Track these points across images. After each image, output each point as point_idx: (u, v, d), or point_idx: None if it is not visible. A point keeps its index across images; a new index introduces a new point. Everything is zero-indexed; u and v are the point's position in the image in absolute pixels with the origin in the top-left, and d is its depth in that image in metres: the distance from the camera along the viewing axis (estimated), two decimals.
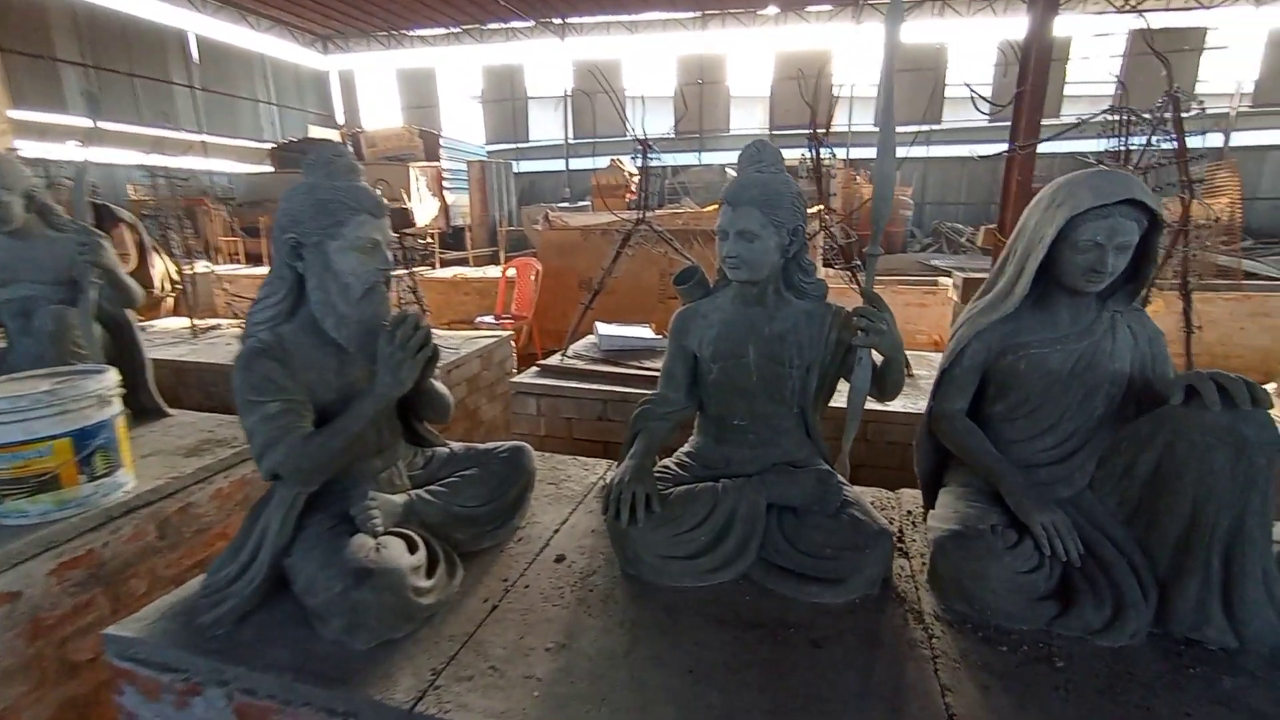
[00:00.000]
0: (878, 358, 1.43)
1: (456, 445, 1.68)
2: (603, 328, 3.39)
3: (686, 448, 1.66)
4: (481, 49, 23.45)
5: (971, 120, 15.09)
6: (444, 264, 11.89)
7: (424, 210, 14.98)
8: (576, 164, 22.79)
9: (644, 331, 3.40)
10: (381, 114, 24.26)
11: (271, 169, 16.98)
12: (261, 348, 1.28)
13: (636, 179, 17.01)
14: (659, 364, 1.68)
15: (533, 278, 6.35)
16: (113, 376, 1.78)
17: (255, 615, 1.28)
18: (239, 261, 10.00)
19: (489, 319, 6.06)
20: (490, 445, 1.66)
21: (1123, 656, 1.20)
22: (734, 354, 1.54)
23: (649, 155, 3.08)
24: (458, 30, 23.14)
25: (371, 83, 24.60)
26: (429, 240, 13.64)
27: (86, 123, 2.37)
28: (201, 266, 6.14)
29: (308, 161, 1.36)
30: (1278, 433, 1.20)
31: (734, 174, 1.51)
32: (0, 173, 2.10)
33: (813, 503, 1.42)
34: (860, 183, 13.14)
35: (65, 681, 1.63)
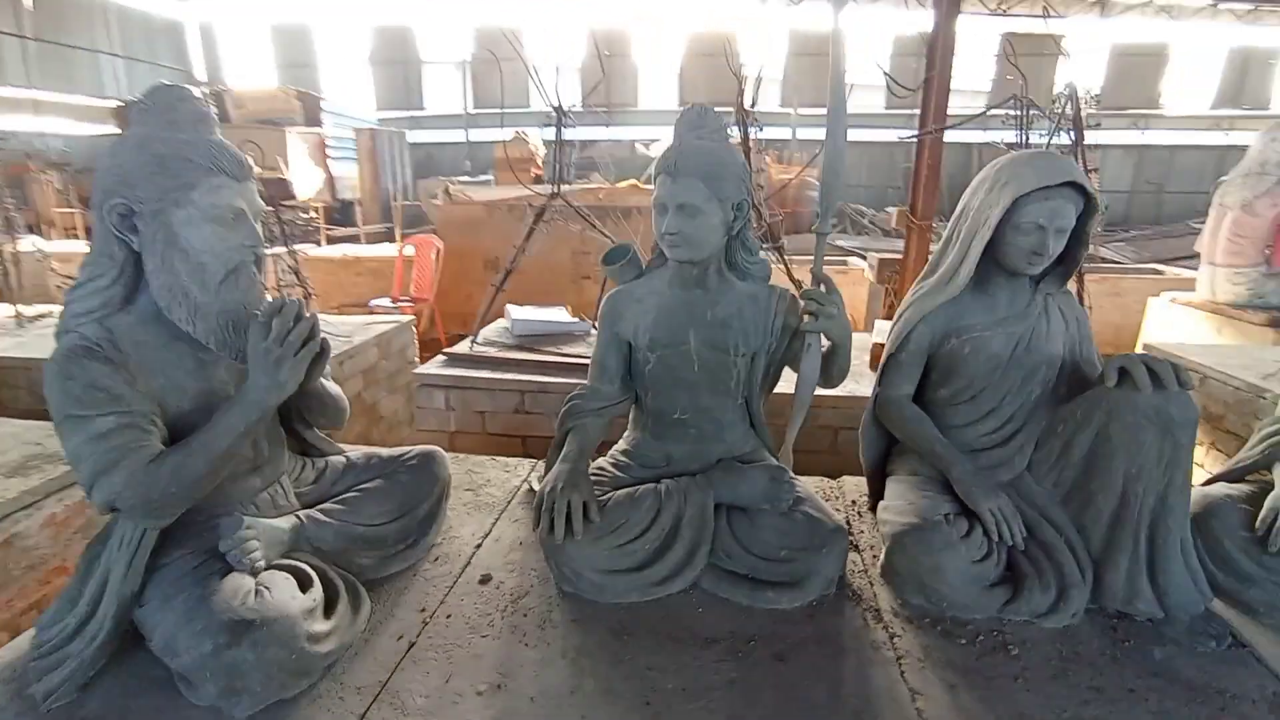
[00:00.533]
0: (825, 343, 1.35)
1: (354, 453, 1.44)
2: (515, 310, 3.16)
3: (622, 445, 1.52)
4: (368, 5, 21.71)
5: (871, 107, 15.84)
6: (331, 241, 10.99)
7: (305, 181, 13.72)
8: (477, 135, 21.73)
9: (560, 314, 3.20)
10: (251, 73, 21.94)
11: (116, 130, 14.91)
12: (86, 346, 1.00)
13: (543, 153, 16.68)
14: (579, 350, 1.54)
15: (433, 256, 5.92)
16: None
17: (102, 680, 1.02)
18: (77, 236, 8.67)
19: (385, 302, 5.58)
20: (395, 451, 1.44)
21: (1068, 637, 1.21)
22: (673, 341, 1.41)
23: (563, 127, 2.85)
24: None
25: (238, 37, 22.14)
26: (312, 214, 12.55)
27: None
28: (28, 244, 5.23)
29: (141, 106, 1.07)
30: (1197, 412, 1.24)
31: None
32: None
33: (764, 501, 1.32)
34: (770, 163, 13.38)
35: None
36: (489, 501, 1.62)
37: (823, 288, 1.24)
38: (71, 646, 1.03)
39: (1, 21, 15.06)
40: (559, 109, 2.81)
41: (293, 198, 12.12)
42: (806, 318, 1.26)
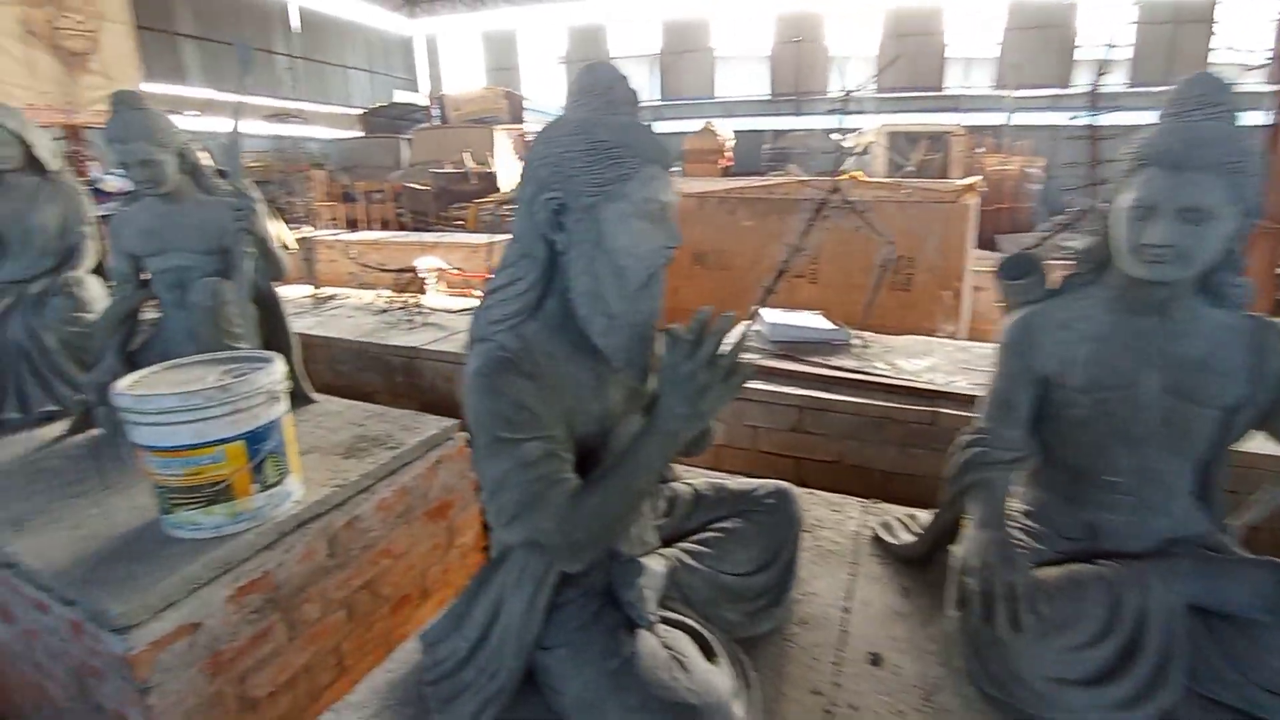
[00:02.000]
0: None
1: (696, 480, 1.32)
2: (770, 314, 2.96)
3: (1019, 505, 1.24)
4: (565, 8, 22.90)
5: (1111, 84, 13.49)
6: None
7: (507, 176, 14.83)
8: (663, 128, 22.10)
9: (818, 320, 2.94)
10: (464, 77, 24.23)
11: (361, 134, 17.23)
12: (507, 358, 0.91)
13: (731, 144, 16.31)
14: (851, 363, 1.26)
15: None
16: (280, 367, 1.51)
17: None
18: (338, 227, 10.09)
19: None
20: (745, 485, 1.28)
21: None
22: (1120, 383, 1.09)
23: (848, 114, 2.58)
24: None
25: (455, 46, 24.55)
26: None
27: (205, 94, 2.12)
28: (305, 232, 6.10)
29: (579, 87, 0.98)
30: None
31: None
32: (152, 129, 1.85)
33: (1266, 610, 0.97)
34: (985, 153, 11.83)
35: None
36: (831, 548, 1.42)
37: None
38: (465, 674, 1.00)
39: (277, 46, 18.13)
40: (845, 94, 2.53)
41: (498, 190, 13.11)
42: None
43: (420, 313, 3.42)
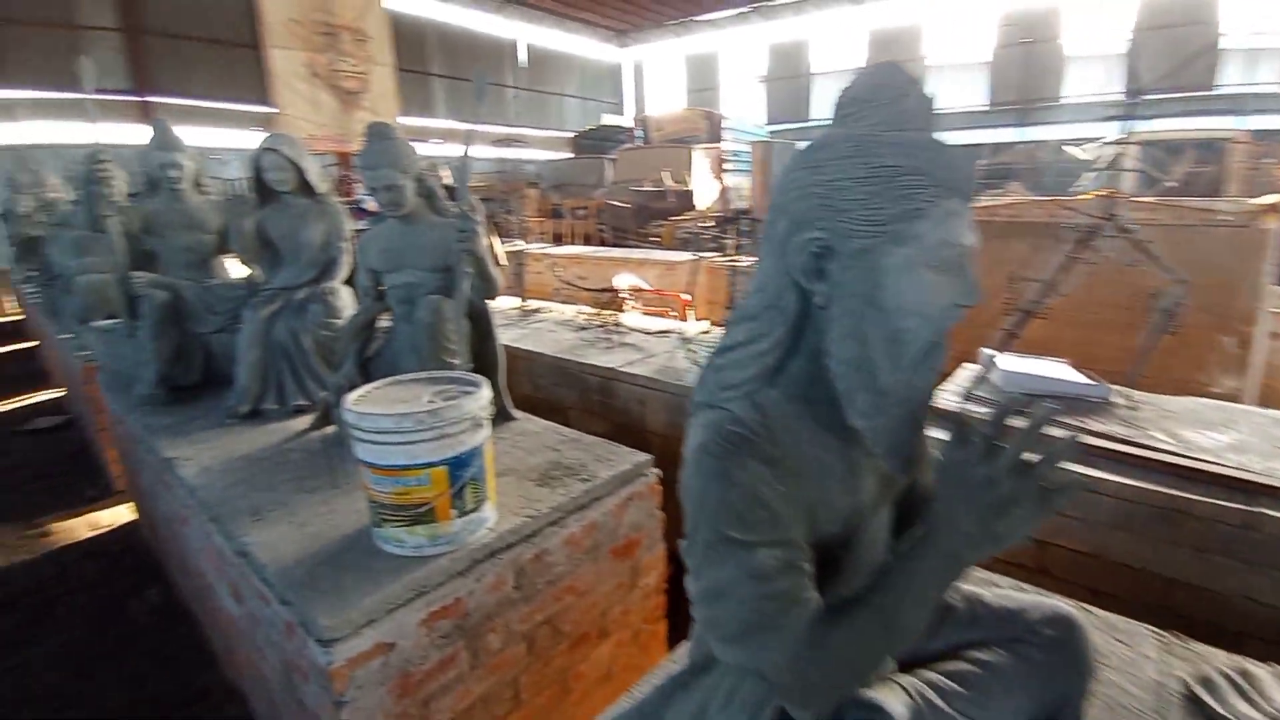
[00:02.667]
0: None
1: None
2: (1006, 361, 2.48)
3: None
4: (767, 26, 22.80)
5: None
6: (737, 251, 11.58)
7: (704, 194, 14.98)
8: (990, 136, 20.64)
9: (1067, 371, 2.40)
10: (665, 100, 25.21)
11: (571, 155, 18.64)
12: (743, 435, 0.73)
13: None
14: (1118, 430, 0.80)
15: None
16: (486, 394, 1.50)
17: None
18: (546, 241, 10.93)
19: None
20: (1011, 602, 0.97)
21: None
22: None
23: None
24: (746, 10, 22.82)
25: (658, 70, 25.64)
26: (713, 225, 13.54)
27: (448, 124, 2.25)
28: (517, 246, 6.61)
29: (856, 94, 0.77)
30: None
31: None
32: (395, 155, 2.01)
33: None
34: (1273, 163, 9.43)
35: None
36: (1122, 700, 1.04)
37: None
38: None
39: (506, 77, 20.38)
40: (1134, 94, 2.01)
41: (693, 208, 13.29)
42: None
43: (619, 332, 3.44)
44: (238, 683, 2.15)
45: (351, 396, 1.46)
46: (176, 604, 2.65)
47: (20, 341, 7.92)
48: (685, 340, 3.24)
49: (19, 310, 9.59)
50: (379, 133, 2.01)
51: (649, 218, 12.79)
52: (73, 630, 2.51)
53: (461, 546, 1.46)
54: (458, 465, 1.40)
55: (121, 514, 3.46)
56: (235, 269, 3.11)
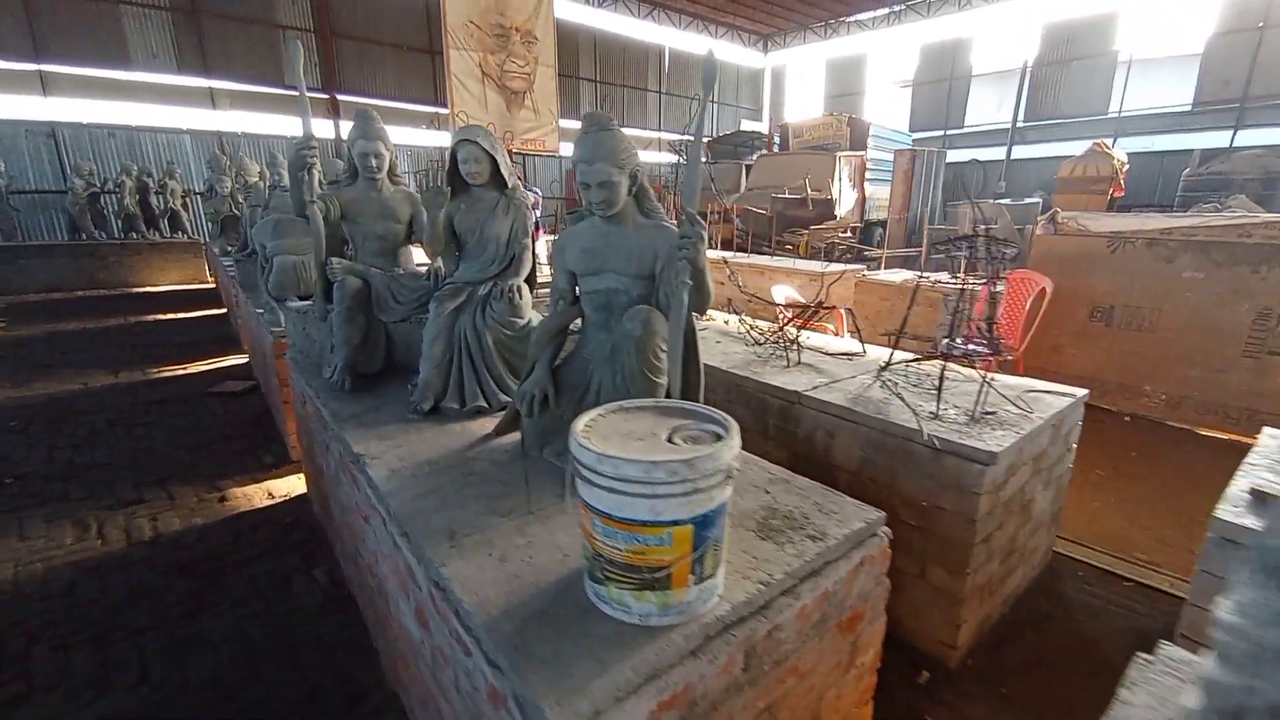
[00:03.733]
0: None
1: None
2: None
3: None
4: (919, 27, 21.33)
5: None
6: (864, 262, 10.87)
7: (844, 203, 14.20)
8: (1025, 152, 19.00)
9: None
10: (803, 105, 24.36)
11: (708, 160, 18.45)
12: None
13: (1126, 168, 13.21)
14: None
15: (1032, 298, 4.84)
16: (737, 439, 1.23)
17: None
18: None
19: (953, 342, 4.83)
20: None
21: None
22: None
23: None
24: (900, 8, 21.50)
25: (797, 75, 24.81)
26: (850, 235, 12.80)
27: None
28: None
29: None
30: None
31: None
32: (614, 149, 1.81)
33: None
34: None
35: None
36: None
37: None
38: None
39: (651, 84, 20.50)
40: None
41: (834, 218, 12.59)
42: None
43: (794, 349, 3.11)
44: (399, 693, 2.06)
45: (579, 425, 1.25)
46: (341, 587, 2.66)
47: (214, 307, 8.90)
48: (882, 368, 2.84)
49: (212, 279, 10.85)
50: (598, 123, 1.81)
51: (786, 225, 12.28)
52: (241, 604, 2.56)
53: (691, 619, 1.21)
54: (704, 525, 1.15)
55: (294, 484, 3.61)
56: (418, 259, 3.12)
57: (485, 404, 2.32)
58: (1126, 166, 12.95)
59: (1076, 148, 17.65)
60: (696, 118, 1.70)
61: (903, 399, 2.44)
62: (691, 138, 1.77)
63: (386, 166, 2.89)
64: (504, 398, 2.36)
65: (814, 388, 2.62)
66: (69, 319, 8.16)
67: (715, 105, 23.43)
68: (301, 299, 3.87)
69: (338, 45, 14.26)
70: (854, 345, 3.29)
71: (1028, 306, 4.80)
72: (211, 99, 13.61)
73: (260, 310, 4.12)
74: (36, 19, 11.63)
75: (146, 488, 3.56)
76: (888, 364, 2.86)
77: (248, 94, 13.75)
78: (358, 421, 2.23)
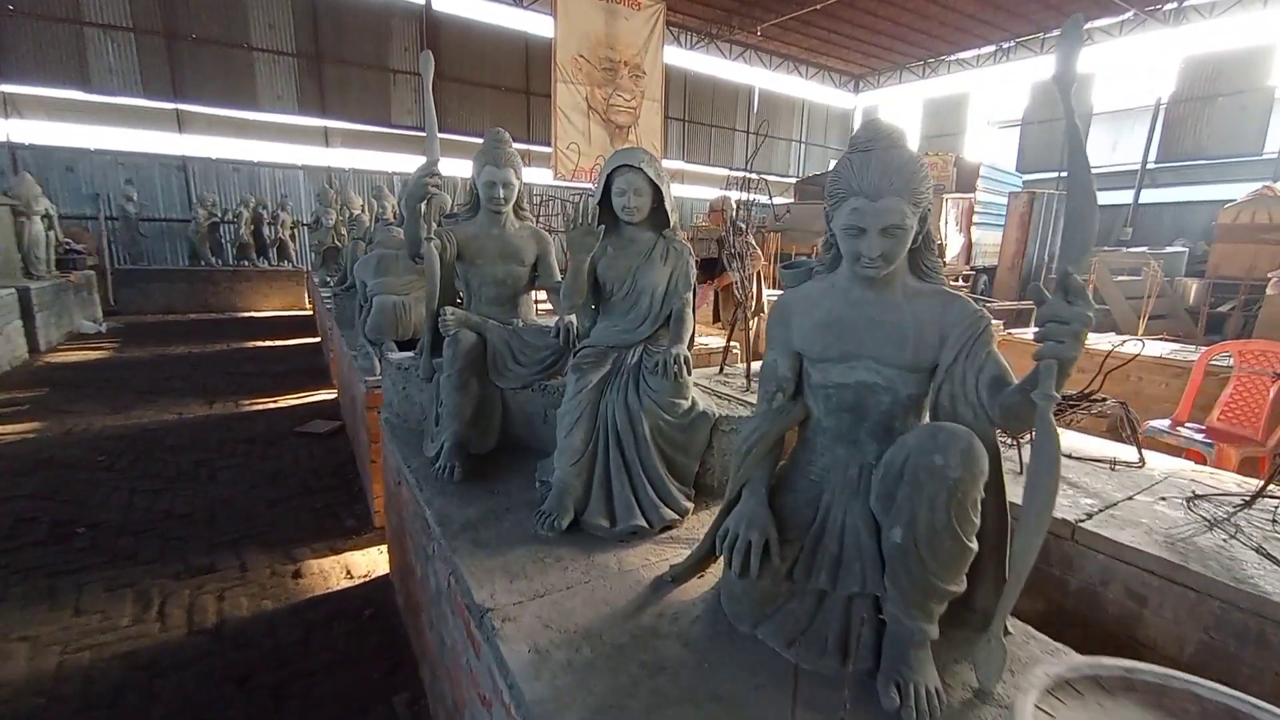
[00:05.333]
0: None
1: None
2: None
3: None
4: (1032, 64, 20.07)
5: None
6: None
7: (950, 248, 13.13)
8: (1155, 196, 17.24)
9: None
10: None
11: (793, 200, 17.78)
12: None
13: None
14: None
15: (1275, 376, 3.83)
16: None
17: None
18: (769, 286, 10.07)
19: (1162, 426, 3.87)
20: None
21: None
22: None
23: None
24: (1009, 45, 20.37)
25: (892, 114, 23.93)
26: (964, 283, 11.73)
27: (678, 165, 1.36)
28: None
29: None
30: None
31: None
32: (908, 179, 1.18)
33: None
34: None
35: None
36: None
37: None
38: None
39: (739, 124, 20.19)
40: None
41: (942, 260, 11.59)
42: None
43: (1016, 444, 2.33)
44: None
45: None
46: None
47: (309, 335, 8.90)
48: (1195, 498, 1.99)
49: (310, 306, 11.03)
50: (884, 136, 1.20)
51: None
52: None
53: None
54: None
55: (375, 560, 3.11)
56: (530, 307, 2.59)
57: (644, 522, 1.69)
58: None
59: (1223, 191, 15.82)
60: (1071, 138, 1.03)
61: (1266, 553, 1.63)
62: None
63: (515, 198, 2.40)
64: (667, 513, 1.73)
65: (1087, 516, 1.85)
66: (177, 342, 8.31)
67: (803, 145, 22.85)
68: (400, 344, 3.45)
69: (443, 86, 14.69)
70: (1117, 449, 2.43)
71: (1274, 392, 3.78)
72: (325, 137, 14.22)
73: (354, 353, 3.73)
74: (178, 63, 12.50)
75: (220, 551, 3.16)
76: (1252, 499, 1.96)
77: (357, 132, 14.30)
78: (473, 538, 1.66)
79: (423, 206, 2.11)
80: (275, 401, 5.72)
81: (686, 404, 1.89)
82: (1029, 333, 6.35)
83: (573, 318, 2.24)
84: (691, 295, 2.10)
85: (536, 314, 2.59)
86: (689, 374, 1.85)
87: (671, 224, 2.07)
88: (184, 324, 9.88)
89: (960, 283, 11.29)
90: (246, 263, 11.46)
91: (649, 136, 7.44)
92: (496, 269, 2.38)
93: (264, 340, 8.60)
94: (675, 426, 1.87)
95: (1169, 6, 15.83)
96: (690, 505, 1.82)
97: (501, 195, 2.29)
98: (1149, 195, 17.48)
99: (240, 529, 3.37)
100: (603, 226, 1.90)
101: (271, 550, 3.17)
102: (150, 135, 12.73)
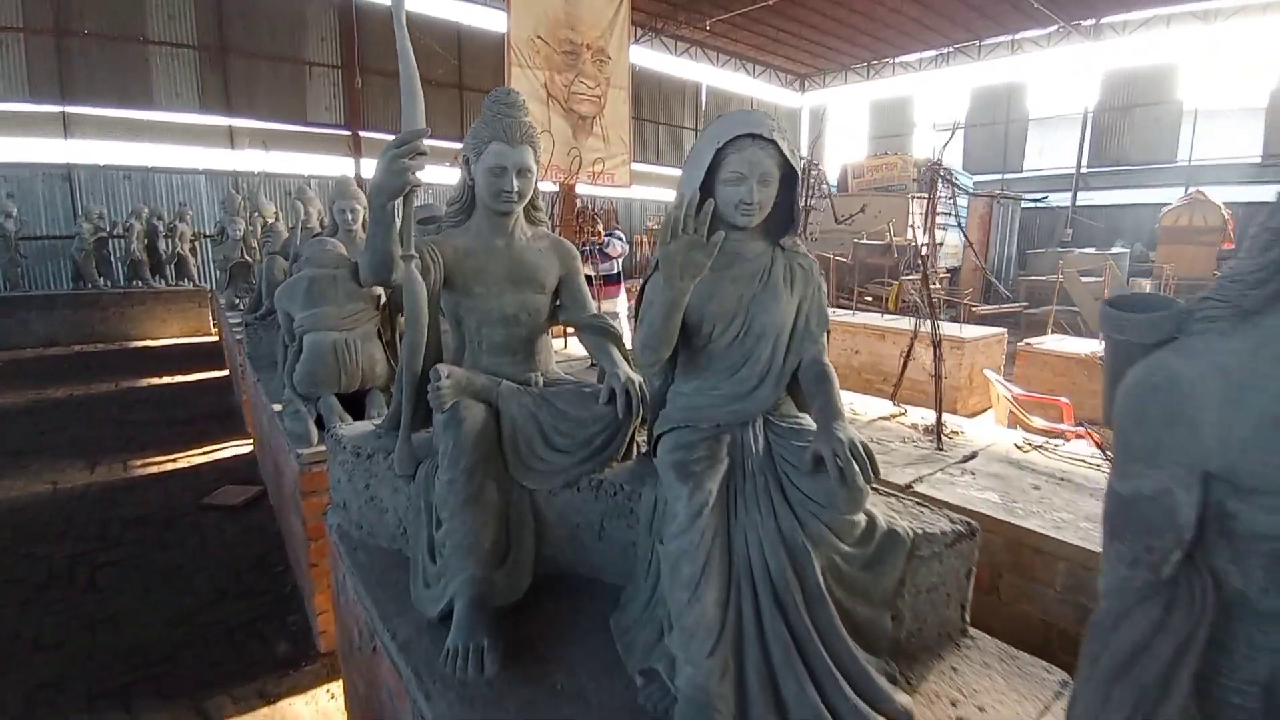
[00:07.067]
0: None
1: None
2: None
3: None
4: (970, 69, 20.58)
5: None
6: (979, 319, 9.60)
7: (935, 249, 12.97)
8: (1091, 199, 17.82)
9: None
10: (844, 145, 23.62)
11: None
12: None
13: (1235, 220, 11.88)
14: None
15: None
16: None
17: None
18: None
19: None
20: None
21: None
22: None
23: None
24: (948, 50, 20.78)
25: (838, 115, 24.13)
26: (940, 286, 11.50)
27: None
28: None
29: None
30: None
31: None
32: None
33: None
34: None
35: None
36: None
37: None
38: None
39: (686, 120, 19.76)
40: None
41: (920, 264, 11.34)
42: None
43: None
44: None
45: None
46: None
47: (216, 368, 7.59)
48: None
49: (216, 331, 9.62)
50: None
51: (868, 275, 11.00)
52: None
53: None
54: None
55: (328, 711, 2.20)
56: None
57: None
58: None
59: (1145, 195, 16.62)
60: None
61: None
62: None
63: (530, 195, 1.59)
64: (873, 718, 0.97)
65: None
66: (58, 383, 6.89)
67: None
68: (343, 397, 2.53)
69: (365, 81, 13.46)
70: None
71: None
72: (230, 138, 12.72)
73: (278, 407, 2.76)
74: (67, 62, 10.85)
75: (103, 705, 2.19)
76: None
77: (269, 131, 12.83)
78: None
79: (398, 204, 1.27)
80: (174, 460, 4.58)
81: (864, 521, 1.14)
82: (1046, 341, 5.99)
83: (636, 375, 1.45)
84: (825, 338, 1.35)
85: (556, 364, 1.78)
86: (875, 472, 1.09)
87: (798, 225, 1.32)
88: (66, 359, 8.36)
89: (940, 286, 11.02)
90: (139, 283, 9.90)
91: (616, 129, 6.63)
92: (505, 300, 1.55)
93: (160, 377, 7.25)
94: (853, 559, 1.11)
95: (1088, 22, 16.45)
96: (908, 700, 1.06)
97: (515, 188, 1.48)
98: (1083, 198, 18.13)
99: (129, 666, 2.38)
100: (721, 235, 1.13)
101: (173, 702, 2.21)
102: (33, 143, 10.98)
